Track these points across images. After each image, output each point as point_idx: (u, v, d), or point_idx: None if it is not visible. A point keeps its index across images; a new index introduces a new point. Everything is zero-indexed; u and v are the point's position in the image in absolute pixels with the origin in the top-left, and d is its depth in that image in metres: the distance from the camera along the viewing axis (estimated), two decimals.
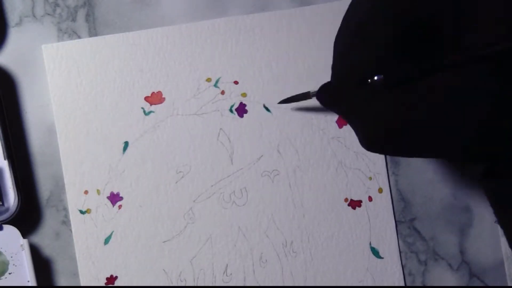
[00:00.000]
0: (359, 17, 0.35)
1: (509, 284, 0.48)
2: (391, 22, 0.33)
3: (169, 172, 0.46)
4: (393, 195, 0.47)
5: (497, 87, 0.32)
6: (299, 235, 0.47)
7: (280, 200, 0.47)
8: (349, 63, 0.36)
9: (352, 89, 0.36)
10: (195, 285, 0.46)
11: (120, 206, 0.46)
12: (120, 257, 0.46)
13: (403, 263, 0.47)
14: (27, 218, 0.45)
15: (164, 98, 0.46)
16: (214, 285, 0.46)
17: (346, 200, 0.47)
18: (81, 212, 0.45)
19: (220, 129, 0.46)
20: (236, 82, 0.47)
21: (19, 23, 0.46)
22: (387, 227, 0.47)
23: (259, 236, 0.47)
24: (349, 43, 0.36)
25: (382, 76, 0.34)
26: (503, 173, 0.34)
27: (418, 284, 0.48)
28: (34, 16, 0.46)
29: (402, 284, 0.47)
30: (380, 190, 0.47)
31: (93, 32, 0.46)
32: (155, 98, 0.46)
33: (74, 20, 0.46)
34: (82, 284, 0.45)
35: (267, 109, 0.47)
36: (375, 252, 0.47)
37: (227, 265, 0.46)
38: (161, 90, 0.46)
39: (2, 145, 0.44)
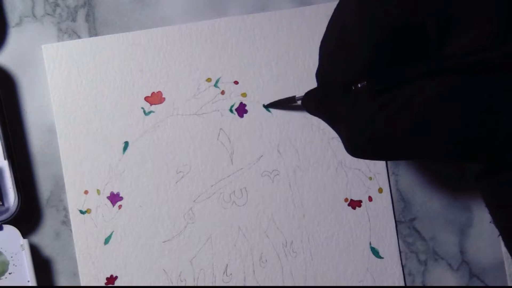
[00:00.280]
0: (344, 23, 0.35)
1: (509, 284, 0.48)
2: (376, 28, 0.33)
3: (169, 172, 0.46)
4: (393, 195, 0.47)
5: (479, 93, 0.32)
6: (299, 235, 0.47)
7: (280, 200, 0.47)
8: (333, 70, 0.36)
9: (337, 96, 0.36)
10: (195, 285, 0.46)
11: (120, 206, 0.46)
12: (120, 257, 0.46)
13: (403, 263, 0.47)
14: (27, 218, 0.45)
15: (164, 98, 0.46)
16: (214, 285, 0.46)
17: (346, 200, 0.47)
18: (81, 212, 0.45)
19: (220, 129, 0.46)
20: (236, 82, 0.47)
21: (19, 23, 0.46)
22: (387, 227, 0.47)
23: (259, 236, 0.47)
24: (333, 49, 0.36)
25: (366, 82, 0.34)
26: (496, 173, 0.34)
27: (418, 284, 0.48)
28: (34, 16, 0.46)
29: (402, 284, 0.47)
30: (380, 190, 0.47)
31: (93, 32, 0.46)
32: (155, 98, 0.46)
33: (74, 20, 0.46)
34: (82, 284, 0.45)
35: (267, 109, 0.47)
36: (375, 252, 0.47)
37: (227, 265, 0.46)
38: (161, 90, 0.46)
39: (2, 145, 0.44)
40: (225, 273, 0.46)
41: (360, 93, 0.34)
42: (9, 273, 0.44)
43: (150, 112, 0.46)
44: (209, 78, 0.46)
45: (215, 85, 0.46)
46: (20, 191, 0.44)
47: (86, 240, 0.45)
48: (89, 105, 0.46)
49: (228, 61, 0.46)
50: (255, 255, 0.47)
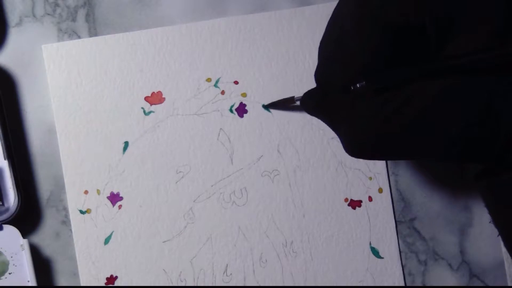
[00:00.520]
0: (343, 23, 0.35)
1: (509, 284, 0.48)
2: (376, 29, 0.33)
3: (169, 172, 0.46)
4: (393, 195, 0.47)
5: (479, 93, 0.32)
6: (299, 235, 0.47)
7: (280, 200, 0.47)
8: (333, 70, 0.36)
9: (336, 96, 0.36)
10: (195, 285, 0.46)
11: (120, 206, 0.46)
12: (120, 257, 0.46)
13: (403, 263, 0.47)
14: (27, 218, 0.45)
15: (164, 98, 0.46)
16: (214, 285, 0.46)
17: (346, 200, 0.47)
18: (81, 212, 0.45)
19: (220, 129, 0.46)
20: (236, 82, 0.47)
21: (19, 23, 0.46)
22: (387, 227, 0.47)
23: (259, 236, 0.47)
24: (333, 50, 0.36)
25: (364, 83, 0.34)
26: (496, 173, 0.34)
27: (418, 284, 0.48)
28: (34, 16, 0.46)
29: (402, 284, 0.47)
30: (380, 190, 0.47)
31: (93, 32, 0.46)
32: (155, 98, 0.46)
33: (74, 20, 0.46)
34: (82, 284, 0.45)
35: (267, 109, 0.47)
36: (375, 252, 0.47)
37: (227, 265, 0.46)
38: (161, 90, 0.46)
39: (2, 145, 0.44)
40: (225, 273, 0.46)
41: (359, 93, 0.34)
42: (9, 273, 0.44)
43: (150, 112, 0.46)
44: (209, 78, 0.46)
45: (215, 85, 0.46)
46: (20, 191, 0.44)
47: (86, 240, 0.45)
48: (89, 105, 0.46)
49: (228, 61, 0.46)
50: (255, 255, 0.47)
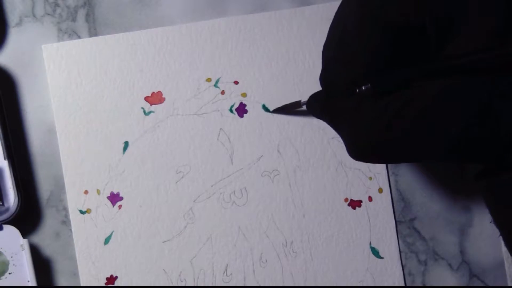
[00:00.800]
0: (345, 25, 0.35)
1: (509, 284, 0.48)
2: (377, 30, 0.33)
3: (169, 172, 0.46)
4: (393, 195, 0.47)
5: (479, 93, 0.32)
6: (299, 235, 0.47)
7: (280, 200, 0.47)
8: (336, 73, 0.36)
9: (341, 98, 0.36)
10: (195, 285, 0.46)
11: (120, 206, 0.46)
12: (120, 257, 0.46)
13: (403, 263, 0.47)
14: (27, 218, 0.45)
15: (164, 98, 0.46)
16: (214, 285, 0.46)
17: (346, 200, 0.47)
18: (81, 212, 0.45)
19: (220, 129, 0.46)
20: (236, 82, 0.47)
21: (19, 23, 0.46)
22: (387, 227, 0.47)
23: (259, 236, 0.47)
24: (335, 52, 0.36)
25: (369, 85, 0.34)
26: (497, 173, 0.34)
27: (418, 284, 0.48)
28: (34, 16, 0.46)
29: (402, 284, 0.47)
30: (380, 190, 0.47)
31: (93, 32, 0.46)
32: (155, 98, 0.46)
33: (74, 20, 0.46)
34: (82, 284, 0.45)
35: (267, 109, 0.47)
36: (375, 252, 0.47)
37: (227, 265, 0.46)
38: (161, 90, 0.46)
39: (2, 145, 0.44)
40: (225, 273, 0.46)
41: (363, 95, 0.34)
42: (9, 273, 0.44)
43: (150, 112, 0.46)
44: (209, 78, 0.46)
45: (215, 85, 0.46)
46: (20, 191, 0.44)
47: (86, 240, 0.45)
48: (89, 105, 0.46)
49: (228, 61, 0.46)
50: (255, 255, 0.47)
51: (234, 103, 0.47)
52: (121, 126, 0.46)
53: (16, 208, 0.43)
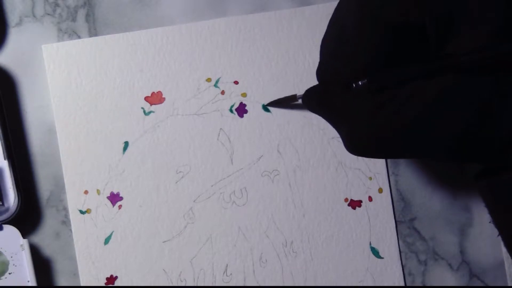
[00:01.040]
0: (344, 22, 0.35)
1: (509, 284, 0.48)
2: (376, 28, 0.33)
3: (169, 172, 0.46)
4: (393, 195, 0.47)
5: (479, 93, 0.32)
6: (299, 235, 0.47)
7: (280, 200, 0.47)
8: (334, 68, 0.36)
9: (337, 93, 0.36)
10: (195, 285, 0.46)
11: (120, 206, 0.46)
12: (120, 257, 0.46)
13: (403, 263, 0.47)
14: (27, 218, 0.45)
15: (164, 98, 0.46)
16: (214, 285, 0.46)
17: (346, 200, 0.47)
18: (81, 212, 0.45)
19: (220, 129, 0.46)
20: (236, 82, 0.47)
21: (19, 23, 0.46)
22: (387, 227, 0.47)
23: (259, 236, 0.47)
24: (334, 48, 0.36)
25: (366, 80, 0.34)
26: (496, 173, 0.34)
27: (418, 284, 0.48)
28: (34, 16, 0.46)
29: (402, 284, 0.47)
30: (380, 190, 0.47)
31: (93, 32, 0.46)
32: (155, 98, 0.46)
33: (74, 20, 0.46)
34: (82, 284, 0.45)
35: (267, 109, 0.47)
36: (375, 252, 0.47)
37: (227, 265, 0.46)
38: (161, 90, 0.46)
39: (2, 145, 0.44)
40: (225, 273, 0.46)
41: (360, 90, 0.34)
42: (9, 273, 0.44)
43: (150, 112, 0.46)
44: (209, 78, 0.46)
45: (215, 85, 0.46)
46: (20, 191, 0.44)
47: (86, 240, 0.45)
48: (89, 105, 0.46)
49: (228, 61, 0.46)
50: (255, 255, 0.47)
51: (234, 103, 0.47)
52: (121, 126, 0.46)
53: (16, 208, 0.43)
